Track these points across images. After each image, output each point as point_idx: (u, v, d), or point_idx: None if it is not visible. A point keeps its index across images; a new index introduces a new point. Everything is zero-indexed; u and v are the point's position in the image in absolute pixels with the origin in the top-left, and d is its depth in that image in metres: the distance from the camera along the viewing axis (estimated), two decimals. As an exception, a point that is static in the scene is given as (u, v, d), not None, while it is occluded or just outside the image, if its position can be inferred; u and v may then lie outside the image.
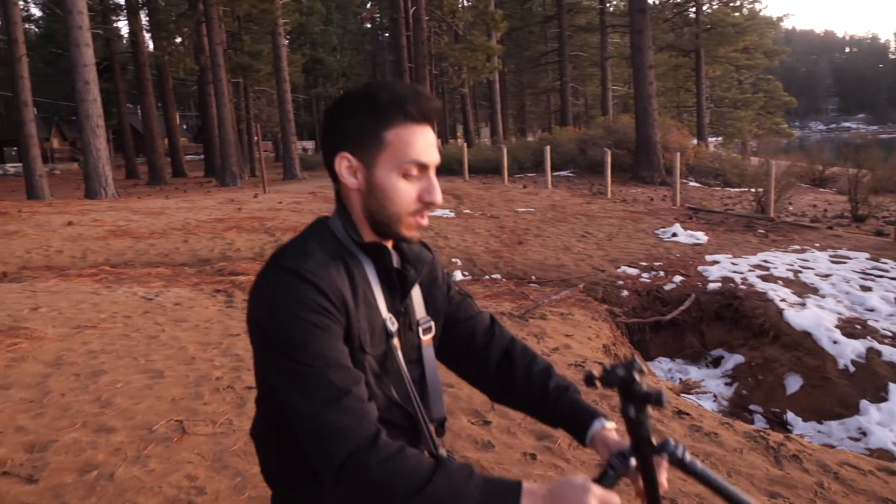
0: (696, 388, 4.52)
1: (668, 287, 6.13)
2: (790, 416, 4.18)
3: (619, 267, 6.86)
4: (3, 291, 5.84)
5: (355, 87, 0.92)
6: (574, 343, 4.49)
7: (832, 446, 3.45)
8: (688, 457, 0.88)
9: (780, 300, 5.31)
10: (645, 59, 14.57)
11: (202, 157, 29.39)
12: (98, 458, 2.77)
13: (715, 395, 4.61)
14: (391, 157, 0.90)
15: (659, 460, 0.88)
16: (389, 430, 0.85)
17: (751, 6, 26.99)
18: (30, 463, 2.73)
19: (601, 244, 8.05)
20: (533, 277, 6.71)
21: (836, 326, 4.69)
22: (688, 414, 3.32)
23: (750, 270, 6.29)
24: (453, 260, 7.33)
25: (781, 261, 6.70)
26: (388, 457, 0.79)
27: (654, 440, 0.85)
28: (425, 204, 0.93)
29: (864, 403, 3.93)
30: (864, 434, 3.71)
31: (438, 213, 10.10)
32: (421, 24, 21.05)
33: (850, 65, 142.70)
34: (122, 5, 27.17)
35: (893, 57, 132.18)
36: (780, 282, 5.90)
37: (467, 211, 10.82)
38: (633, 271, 6.69)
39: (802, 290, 5.70)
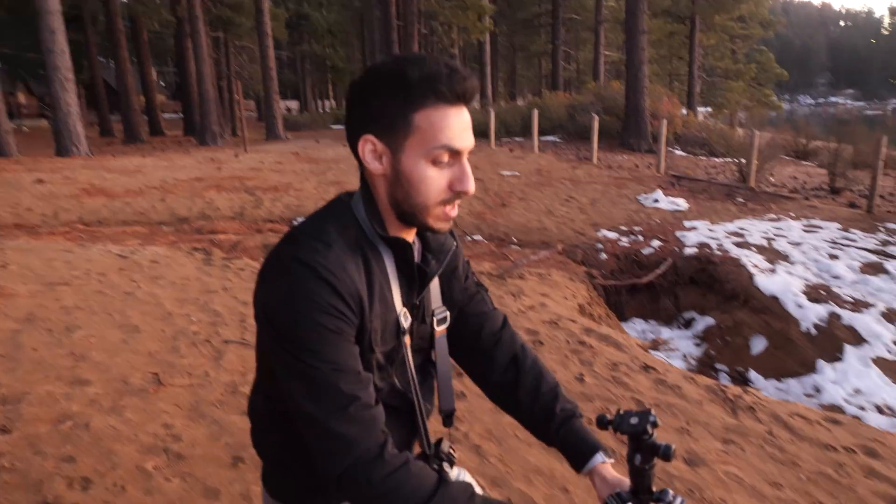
0: (665, 346, 4.70)
1: (646, 251, 6.28)
2: (752, 374, 4.38)
3: (599, 231, 6.98)
4: (-27, 245, 5.71)
5: (383, 61, 0.82)
6: (550, 302, 4.63)
7: (787, 401, 3.66)
8: None
9: (752, 266, 5.48)
10: (639, 23, 14.41)
11: (181, 115, 28.48)
12: (73, 409, 2.77)
13: (684, 355, 4.80)
14: (420, 142, 0.81)
15: None
16: (388, 414, 0.85)
17: (749, -27, 26.59)
18: (2, 414, 2.70)
19: (584, 208, 8.15)
20: (514, 239, 6.81)
21: (803, 292, 4.87)
22: (654, 368, 3.49)
23: (726, 237, 6.45)
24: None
25: (757, 228, 6.87)
26: (391, 472, 0.79)
27: (654, 488, 0.88)
28: (456, 193, 0.84)
29: (820, 363, 4.14)
30: (819, 391, 3.93)
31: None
32: (411, -21, 20.52)
33: (846, 38, 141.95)
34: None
35: (886, 33, 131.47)
36: (753, 248, 6.07)
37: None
38: (612, 235, 6.82)
39: (774, 256, 5.88)
